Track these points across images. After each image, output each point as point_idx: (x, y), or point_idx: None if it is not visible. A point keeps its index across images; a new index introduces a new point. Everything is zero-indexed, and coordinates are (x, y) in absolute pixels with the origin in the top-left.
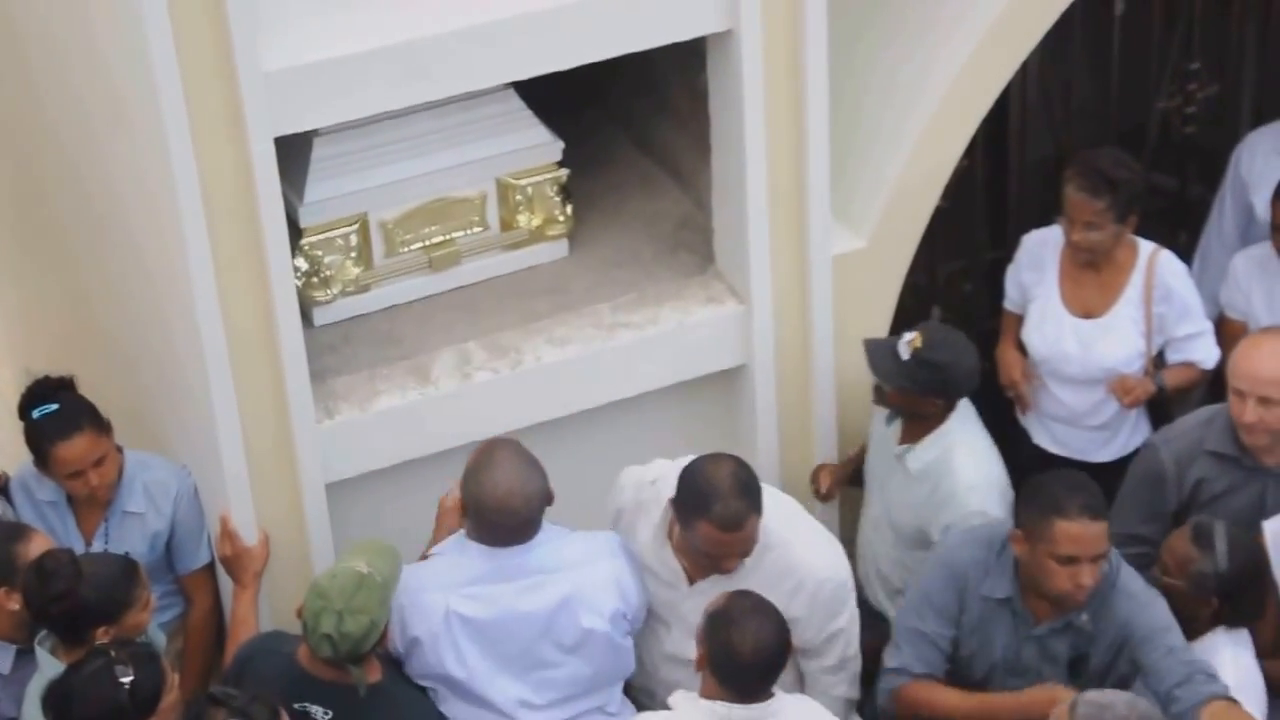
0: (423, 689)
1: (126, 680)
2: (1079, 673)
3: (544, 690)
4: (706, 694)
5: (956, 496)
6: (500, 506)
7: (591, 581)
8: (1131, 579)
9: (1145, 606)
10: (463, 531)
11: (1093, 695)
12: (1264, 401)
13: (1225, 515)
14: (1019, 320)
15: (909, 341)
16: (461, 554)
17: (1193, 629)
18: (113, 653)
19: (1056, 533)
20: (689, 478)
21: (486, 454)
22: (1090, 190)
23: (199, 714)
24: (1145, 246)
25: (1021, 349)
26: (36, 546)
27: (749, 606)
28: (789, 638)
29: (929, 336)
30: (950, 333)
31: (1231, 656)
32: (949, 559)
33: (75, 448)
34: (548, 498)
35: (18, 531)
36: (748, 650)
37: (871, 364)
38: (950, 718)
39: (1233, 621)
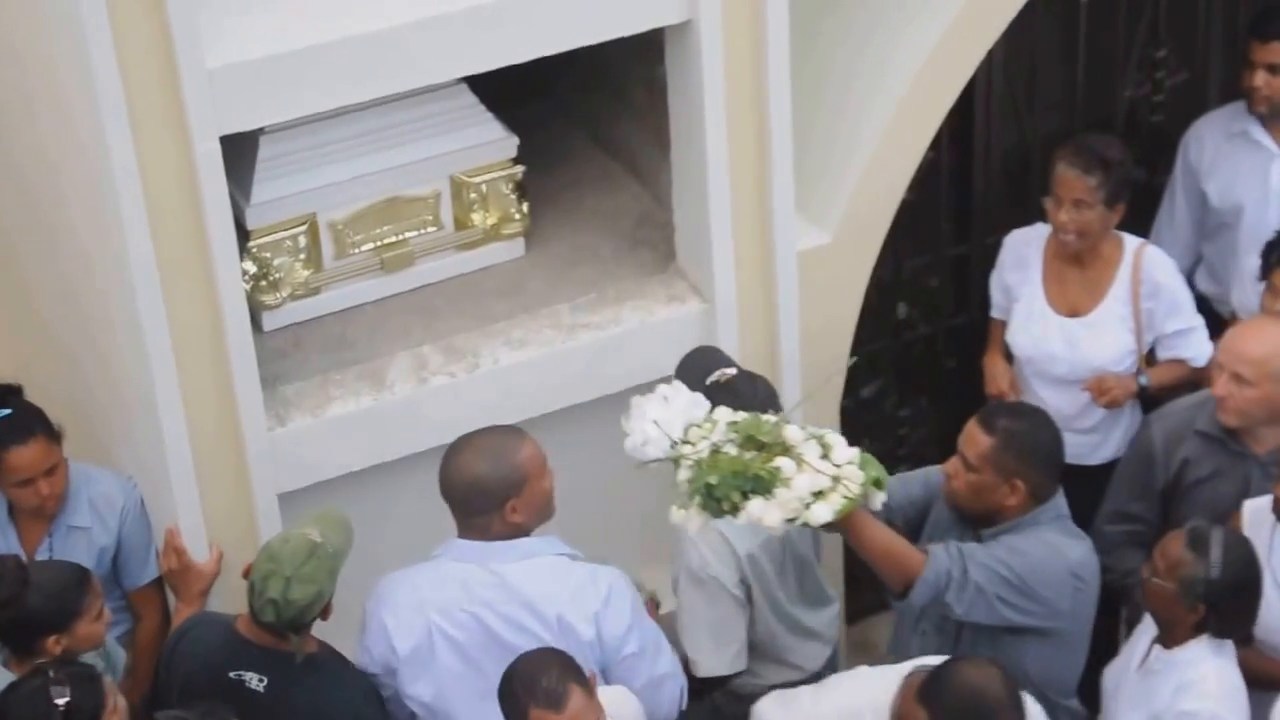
0: (355, 666)
1: (62, 701)
2: None
3: None
4: None
5: None
6: (448, 479)
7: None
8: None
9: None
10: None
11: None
12: (1236, 378)
13: (1209, 499)
14: (1004, 327)
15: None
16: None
17: (1173, 635)
18: (51, 673)
19: None
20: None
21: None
22: (1082, 167)
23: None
24: (1131, 242)
25: (1008, 355)
26: None
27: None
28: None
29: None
30: None
31: (1215, 668)
32: None
33: (28, 454)
34: (497, 485)
35: None
36: None
37: None
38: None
39: (1218, 632)
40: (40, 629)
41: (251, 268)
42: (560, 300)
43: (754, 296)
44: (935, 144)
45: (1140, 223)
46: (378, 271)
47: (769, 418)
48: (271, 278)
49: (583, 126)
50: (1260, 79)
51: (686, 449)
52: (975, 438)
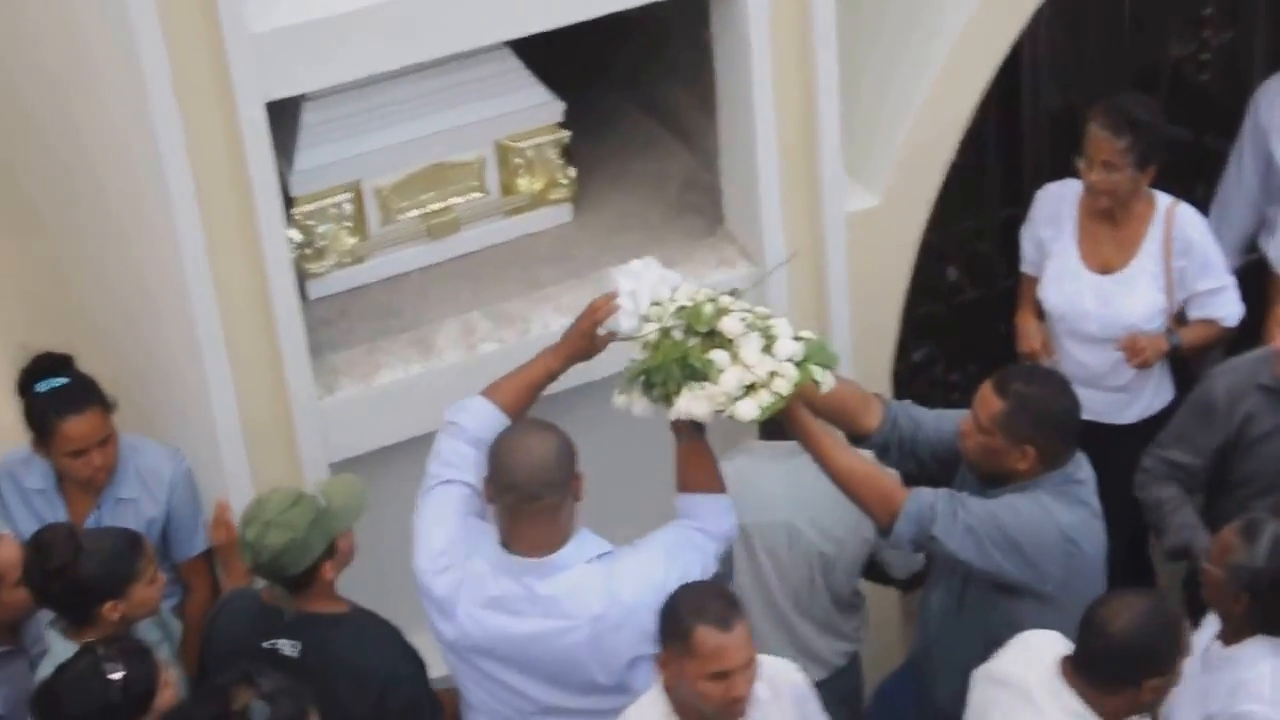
0: (397, 631)
1: (117, 676)
2: None
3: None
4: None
5: None
6: (508, 469)
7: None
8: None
9: None
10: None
11: None
12: None
13: (1272, 454)
14: (1035, 284)
15: None
16: (489, 548)
17: (1230, 629)
18: (101, 650)
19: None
20: None
21: (510, 428)
22: (1112, 129)
23: (225, 688)
24: (1163, 199)
25: (1039, 311)
26: (4, 552)
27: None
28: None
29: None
30: None
31: (1272, 669)
32: None
33: (84, 424)
34: (565, 479)
35: None
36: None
37: None
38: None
39: (1267, 628)
40: (96, 596)
41: (297, 236)
42: (608, 265)
43: (802, 259)
44: (983, 106)
45: (1186, 182)
46: (424, 238)
47: (719, 302)
48: (317, 246)
49: (629, 91)
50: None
51: (646, 327)
52: (988, 400)
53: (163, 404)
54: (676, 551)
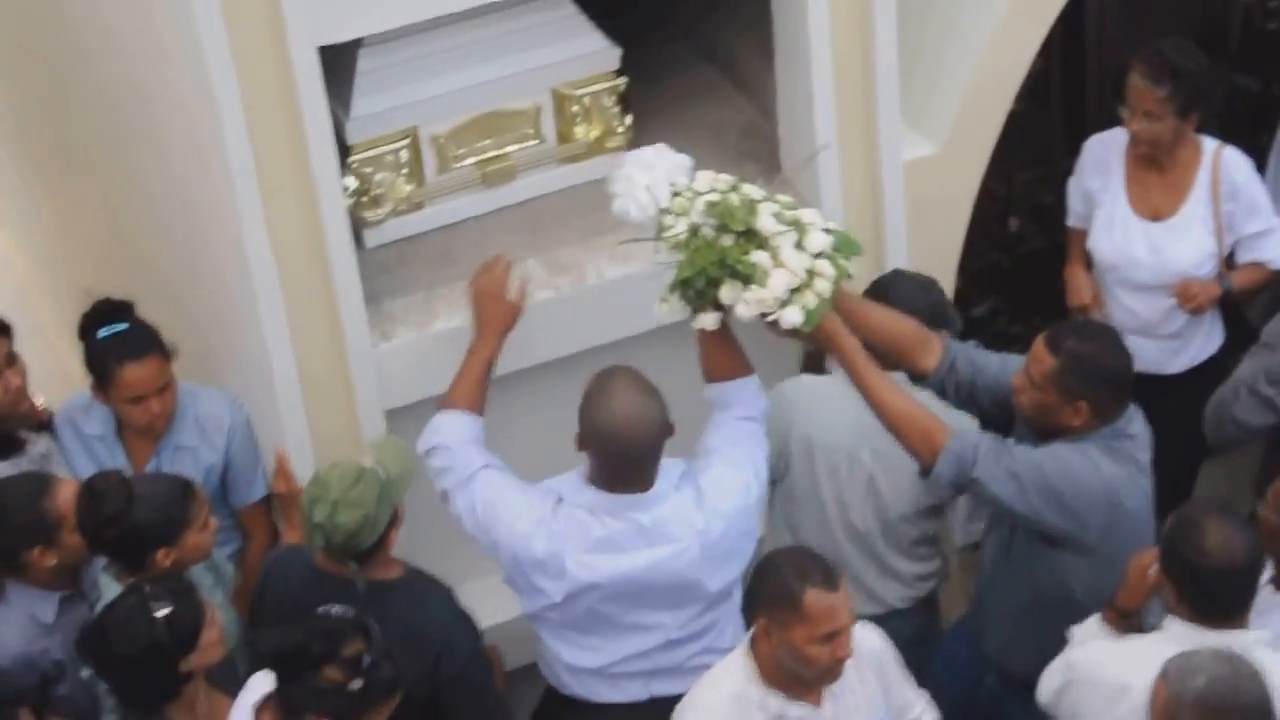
0: (451, 594)
1: (163, 614)
2: None
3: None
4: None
5: None
6: (620, 432)
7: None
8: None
9: None
10: (580, 473)
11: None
12: None
13: None
14: (1084, 237)
15: None
16: (579, 494)
17: None
18: (147, 588)
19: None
20: None
21: (602, 383)
22: (1153, 78)
23: (339, 630)
24: (1209, 144)
25: (1088, 264)
26: (64, 495)
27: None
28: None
29: None
30: None
31: None
32: None
33: (144, 370)
34: (668, 429)
35: (41, 486)
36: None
37: None
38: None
39: None
40: (149, 543)
41: (353, 183)
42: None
43: (860, 208)
44: (1046, 54)
45: (1254, 133)
46: (480, 186)
47: (743, 191)
48: (373, 193)
49: (686, 38)
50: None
51: (668, 220)
52: (1041, 357)
53: (221, 352)
54: (741, 450)
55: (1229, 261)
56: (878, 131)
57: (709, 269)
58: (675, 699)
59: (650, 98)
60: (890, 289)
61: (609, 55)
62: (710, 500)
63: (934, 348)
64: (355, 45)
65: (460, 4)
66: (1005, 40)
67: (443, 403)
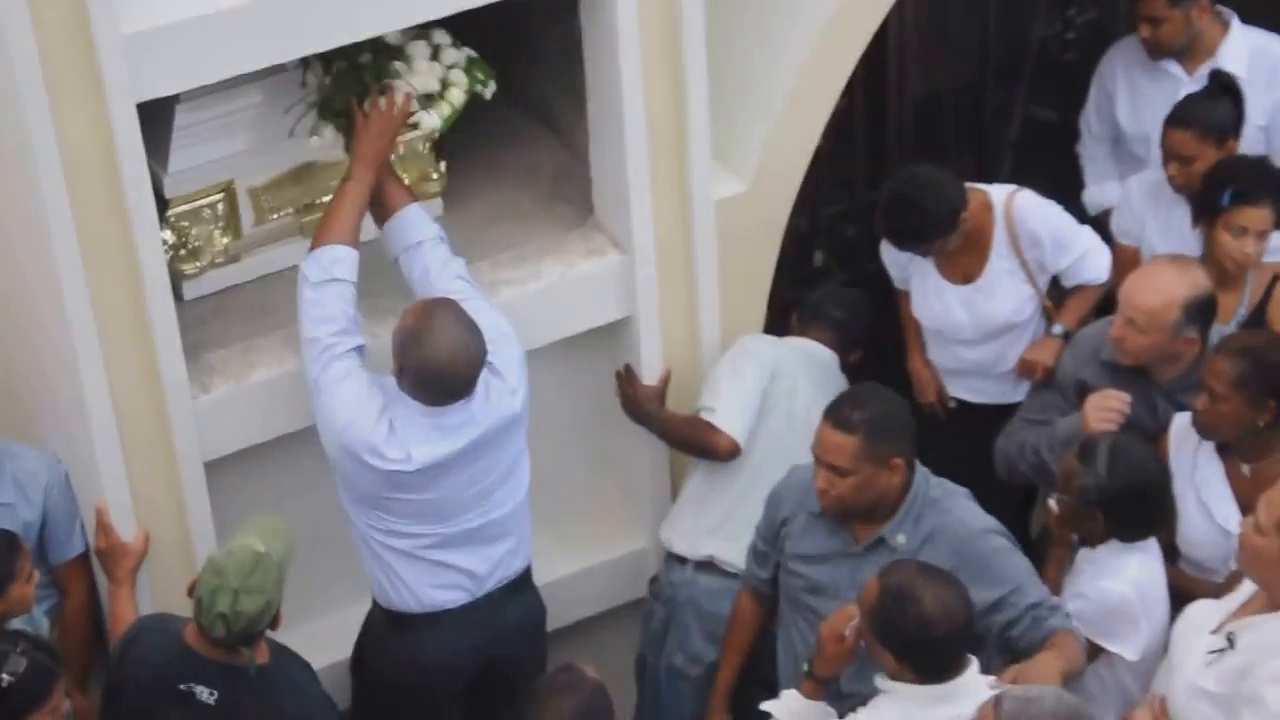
0: (311, 670)
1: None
2: None
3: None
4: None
5: None
6: (444, 370)
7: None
8: (960, 509)
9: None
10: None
11: (1019, 691)
12: (1131, 323)
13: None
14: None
15: None
16: (408, 409)
17: (1092, 542)
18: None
19: None
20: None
21: (425, 316)
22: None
23: None
24: (998, 195)
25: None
26: None
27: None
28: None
29: None
30: None
31: (1139, 560)
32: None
33: None
34: (486, 355)
35: None
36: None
37: None
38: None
39: (1124, 536)
40: None
41: (171, 237)
42: (481, 257)
43: (672, 247)
44: (849, 92)
45: (1052, 161)
46: (297, 237)
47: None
48: (191, 246)
49: (498, 83)
50: (1145, 31)
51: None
52: (834, 440)
53: (43, 407)
54: (465, 270)
55: (1054, 290)
56: (689, 171)
57: (352, 87)
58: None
59: (464, 143)
60: (842, 291)
61: None
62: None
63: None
64: (172, 101)
65: (273, 58)
66: (812, 79)
67: (318, 238)
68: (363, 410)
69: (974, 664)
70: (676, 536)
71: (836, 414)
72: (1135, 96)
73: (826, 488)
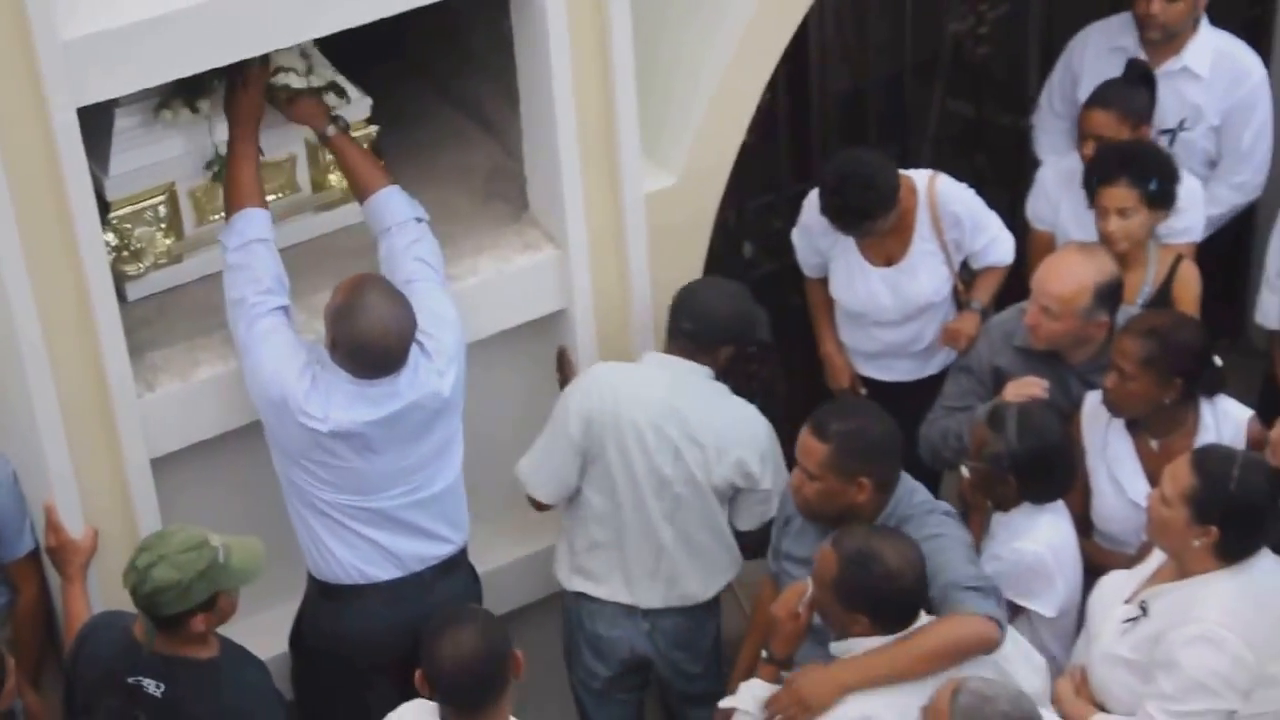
0: (264, 669)
1: None
2: None
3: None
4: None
5: None
6: (374, 344)
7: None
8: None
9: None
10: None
11: (977, 684)
12: (1045, 310)
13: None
14: (822, 288)
15: None
16: (335, 375)
17: (1005, 507)
18: None
19: None
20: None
21: (355, 293)
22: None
23: None
24: (920, 178)
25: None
26: None
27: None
28: None
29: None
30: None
31: (1050, 521)
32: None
33: None
34: (415, 329)
35: None
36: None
37: None
38: None
39: (1035, 499)
40: None
41: (113, 239)
42: None
43: (605, 240)
44: (772, 89)
45: (967, 156)
46: None
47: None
48: (133, 248)
49: (433, 85)
50: (1156, 6)
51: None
52: (811, 447)
53: None
54: (433, 254)
55: (964, 272)
56: (620, 167)
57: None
58: None
59: (401, 144)
60: (693, 295)
61: (360, 105)
62: (434, 348)
63: None
64: (111, 105)
65: (211, 61)
66: (736, 78)
67: (227, 209)
68: (285, 363)
69: (923, 614)
70: (557, 565)
71: (817, 420)
72: (1099, 81)
73: (799, 486)
